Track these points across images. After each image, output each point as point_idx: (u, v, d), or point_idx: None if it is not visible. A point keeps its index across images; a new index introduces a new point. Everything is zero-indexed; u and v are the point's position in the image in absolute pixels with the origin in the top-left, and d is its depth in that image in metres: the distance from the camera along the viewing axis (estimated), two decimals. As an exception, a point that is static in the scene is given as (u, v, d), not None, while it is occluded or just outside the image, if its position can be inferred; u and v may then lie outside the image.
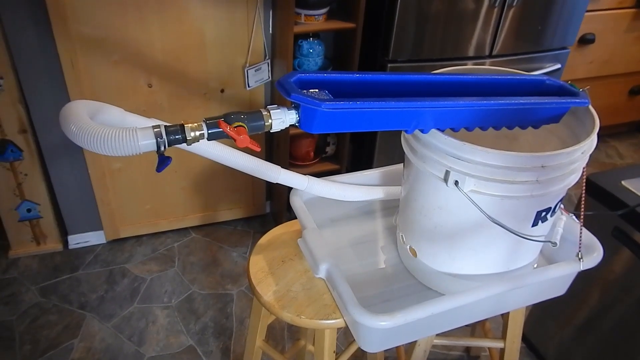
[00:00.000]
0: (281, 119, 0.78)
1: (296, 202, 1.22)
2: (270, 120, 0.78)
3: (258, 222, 2.55)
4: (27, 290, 2.10)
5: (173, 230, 2.43)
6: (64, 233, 2.29)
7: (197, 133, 0.75)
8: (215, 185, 2.36)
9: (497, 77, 1.03)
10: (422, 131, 0.90)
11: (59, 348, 1.88)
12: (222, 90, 2.08)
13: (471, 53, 2.09)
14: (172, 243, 2.38)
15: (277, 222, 2.48)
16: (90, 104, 0.84)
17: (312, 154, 2.23)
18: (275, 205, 2.48)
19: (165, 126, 0.74)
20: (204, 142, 0.81)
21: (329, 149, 2.26)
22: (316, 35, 1.98)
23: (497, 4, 1.97)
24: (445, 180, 0.91)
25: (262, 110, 0.79)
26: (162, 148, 0.73)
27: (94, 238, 2.32)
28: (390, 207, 1.34)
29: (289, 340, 1.95)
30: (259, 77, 2.05)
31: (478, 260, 1.02)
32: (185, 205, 2.38)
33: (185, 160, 2.18)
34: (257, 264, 1.21)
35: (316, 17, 1.88)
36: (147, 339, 1.94)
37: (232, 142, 0.77)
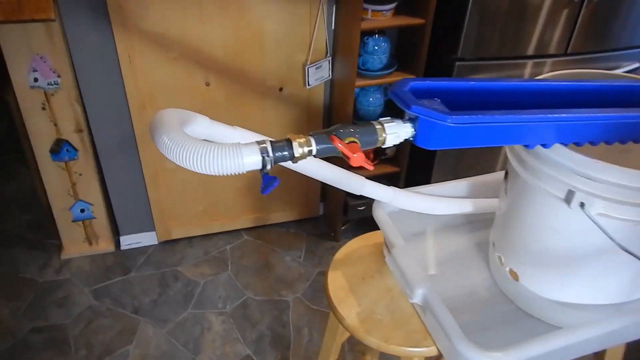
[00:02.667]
0: (396, 133, 0.71)
1: (380, 215, 1.13)
2: (384, 135, 0.70)
3: (311, 225, 2.48)
4: (80, 292, 2.08)
5: (225, 232, 2.39)
6: (116, 234, 2.27)
7: (305, 149, 0.68)
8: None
9: (616, 83, 0.92)
10: (544, 146, 0.81)
11: (114, 354, 1.86)
12: (281, 89, 2.01)
13: (545, 51, 1.97)
14: (224, 245, 2.34)
15: (330, 225, 2.42)
16: (179, 113, 0.78)
17: (371, 155, 2.14)
18: (330, 208, 2.40)
19: (271, 142, 0.67)
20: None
21: (389, 151, 2.17)
22: (382, 31, 1.89)
23: (576, -2, 1.84)
24: (568, 201, 0.81)
25: (374, 123, 0.71)
26: (268, 167, 0.66)
27: (146, 239, 2.29)
28: (476, 221, 1.25)
29: (348, 353, 1.87)
30: (320, 75, 1.97)
31: (596, 289, 0.92)
32: (237, 207, 2.33)
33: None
34: (336, 281, 1.14)
35: (384, 12, 1.79)
36: (203, 347, 1.89)
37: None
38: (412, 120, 0.72)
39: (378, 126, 0.71)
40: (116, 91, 1.85)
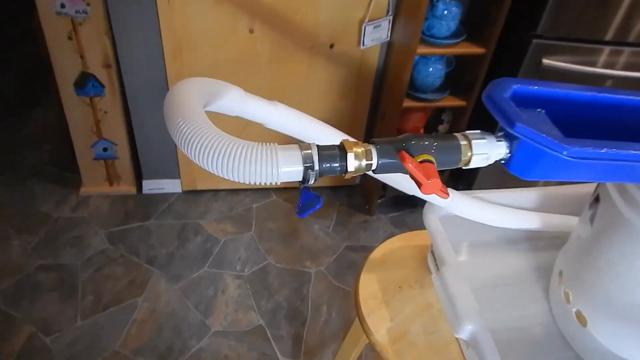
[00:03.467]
0: (485, 154, 0.53)
1: (432, 221, 0.97)
2: (469, 154, 0.54)
3: (345, 193, 2.33)
4: (95, 234, 2.00)
5: (253, 189, 2.26)
6: (138, 177, 2.17)
7: (363, 163, 0.51)
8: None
9: None
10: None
11: (121, 305, 1.78)
12: (332, 46, 1.82)
13: (625, 38, 1.71)
14: (250, 203, 2.21)
15: (366, 197, 2.26)
16: (205, 84, 0.62)
17: (422, 130, 1.95)
18: (368, 178, 2.24)
19: (318, 148, 0.51)
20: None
21: (442, 128, 1.98)
22: (454, -7, 1.66)
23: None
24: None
25: (458, 137, 0.54)
26: (311, 181, 0.50)
27: (170, 186, 2.18)
28: (538, 239, 1.08)
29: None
30: (377, 35, 1.77)
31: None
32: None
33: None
34: (369, 287, 0.99)
35: (460, -29, 1.56)
36: (214, 310, 1.80)
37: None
38: (508, 138, 0.54)
39: (463, 142, 0.54)
40: (150, 29, 1.69)
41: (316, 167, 0.50)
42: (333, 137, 0.81)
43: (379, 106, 2.03)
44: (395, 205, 2.23)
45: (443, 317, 0.94)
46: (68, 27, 1.62)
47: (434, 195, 0.72)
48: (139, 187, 2.18)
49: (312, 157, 0.50)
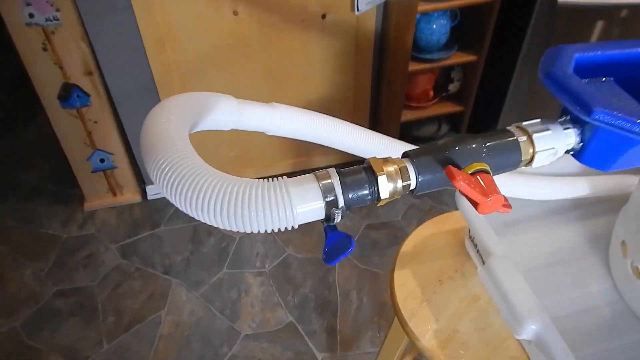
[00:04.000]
0: (552, 149, 0.42)
1: (468, 205, 0.86)
2: (531, 151, 0.43)
3: (357, 169, 2.22)
4: (107, 249, 1.92)
5: (263, 177, 2.15)
6: (141, 182, 2.07)
7: (400, 185, 0.41)
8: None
9: None
10: None
11: (145, 321, 1.71)
12: (324, 16, 1.69)
13: None
14: (261, 194, 2.11)
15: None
16: (190, 102, 0.52)
17: (431, 92, 1.83)
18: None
19: (339, 173, 0.41)
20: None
21: (452, 87, 1.86)
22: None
23: None
24: None
25: (512, 130, 0.43)
26: (337, 219, 0.40)
27: (175, 188, 2.08)
28: (589, 205, 0.97)
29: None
30: (372, -3, 1.63)
31: None
32: (274, 151, 2.09)
33: (277, 98, 1.85)
34: (406, 286, 0.90)
35: None
36: (241, 313, 1.73)
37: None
38: (576, 123, 0.43)
39: (522, 137, 0.43)
40: (127, 26, 1.56)
41: (340, 201, 0.40)
42: (346, 132, 0.70)
43: (383, 73, 1.90)
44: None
45: (493, 309, 0.85)
46: (41, 37, 1.51)
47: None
48: (144, 193, 2.09)
49: (334, 188, 0.40)
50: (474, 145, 0.41)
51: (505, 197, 0.40)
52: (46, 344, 1.65)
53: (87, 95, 1.69)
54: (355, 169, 0.42)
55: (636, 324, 0.80)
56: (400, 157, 0.42)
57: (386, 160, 0.41)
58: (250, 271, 1.86)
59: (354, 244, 0.42)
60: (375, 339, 1.65)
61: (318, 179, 0.41)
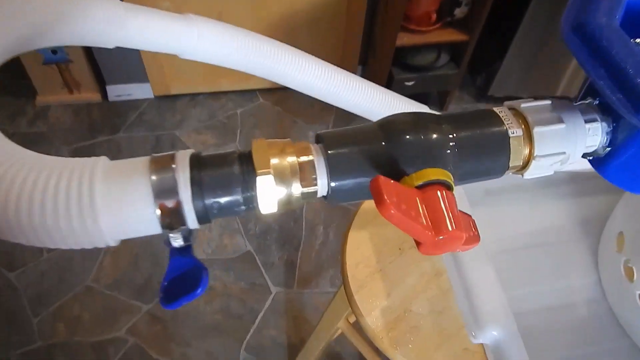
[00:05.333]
0: (563, 153, 0.29)
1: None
2: (526, 153, 0.29)
3: (343, 92, 2.05)
4: (58, 151, 1.78)
5: (236, 91, 1.99)
6: (101, 82, 1.89)
7: (297, 192, 0.27)
8: (295, 37, 1.83)
9: None
10: None
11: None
12: None
13: None
14: (234, 108, 1.96)
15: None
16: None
17: (433, 16, 1.63)
18: (370, 75, 1.95)
19: (196, 162, 0.26)
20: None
21: (459, 12, 1.65)
22: None
23: None
24: None
25: (498, 114, 0.29)
26: (176, 241, 0.27)
27: (138, 91, 1.92)
28: (587, 178, 0.84)
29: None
30: None
31: None
32: (253, 61, 1.89)
33: (258, 4, 1.65)
34: (360, 250, 0.78)
35: None
36: (196, 235, 1.61)
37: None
38: (608, 116, 0.28)
39: (515, 130, 0.28)
40: None
41: (187, 210, 0.26)
42: (301, 66, 0.54)
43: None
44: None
45: (456, 289, 0.73)
46: None
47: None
48: (104, 93, 1.92)
49: (177, 186, 0.26)
50: (434, 136, 0.27)
51: (472, 226, 0.26)
52: (-18, 248, 1.56)
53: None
54: (227, 156, 0.28)
55: (616, 329, 0.69)
56: (315, 141, 0.28)
57: (281, 148, 0.27)
58: (212, 192, 1.74)
59: (206, 281, 0.29)
60: (336, 279, 1.57)
61: (154, 168, 0.26)
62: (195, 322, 1.46)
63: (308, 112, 1.97)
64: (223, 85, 1.94)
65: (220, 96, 1.98)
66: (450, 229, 0.25)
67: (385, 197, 0.25)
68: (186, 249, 0.30)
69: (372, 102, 0.55)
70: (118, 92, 1.91)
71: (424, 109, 0.58)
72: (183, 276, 0.29)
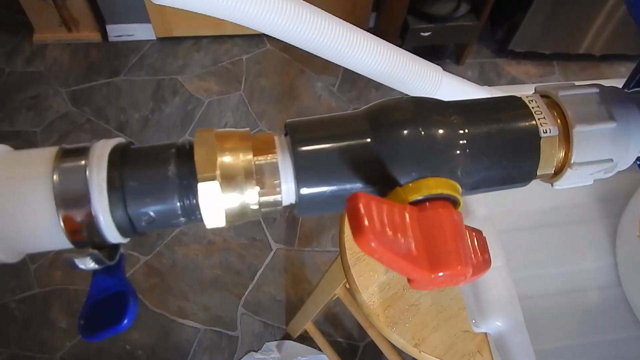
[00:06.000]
0: (609, 160, 0.24)
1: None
2: (561, 156, 0.24)
3: (355, 40, 1.96)
4: (56, 93, 1.73)
5: (242, 35, 1.91)
6: (101, 21, 1.81)
7: (254, 200, 0.22)
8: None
9: None
10: None
11: (89, 182, 1.57)
12: None
13: None
14: (239, 54, 1.88)
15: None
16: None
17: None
18: (383, 23, 1.86)
19: (122, 155, 0.22)
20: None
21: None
22: None
23: None
24: None
25: (530, 105, 0.23)
26: (83, 264, 0.21)
27: (140, 32, 1.84)
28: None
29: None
30: None
31: None
32: (260, 5, 1.81)
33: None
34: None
35: None
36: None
37: None
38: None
39: (548, 126, 0.23)
40: None
41: (101, 223, 0.21)
42: (298, 17, 0.48)
43: None
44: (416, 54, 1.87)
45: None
46: None
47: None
48: (104, 33, 1.85)
49: (87, 193, 0.21)
50: (439, 132, 0.22)
51: (479, 250, 0.22)
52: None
53: None
54: (161, 151, 0.23)
55: (628, 317, 0.65)
56: (284, 133, 0.24)
57: (235, 142, 0.22)
58: (214, 142, 1.69)
59: (133, 310, 0.24)
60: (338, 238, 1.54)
61: (58, 166, 0.21)
62: (194, 276, 1.44)
63: (318, 61, 1.88)
64: (228, 28, 1.86)
65: (225, 40, 1.90)
66: (452, 264, 0.20)
67: (365, 222, 0.20)
68: (115, 265, 0.25)
69: (375, 60, 0.49)
70: (118, 32, 1.83)
71: (436, 70, 0.52)
72: (108, 300, 0.24)
